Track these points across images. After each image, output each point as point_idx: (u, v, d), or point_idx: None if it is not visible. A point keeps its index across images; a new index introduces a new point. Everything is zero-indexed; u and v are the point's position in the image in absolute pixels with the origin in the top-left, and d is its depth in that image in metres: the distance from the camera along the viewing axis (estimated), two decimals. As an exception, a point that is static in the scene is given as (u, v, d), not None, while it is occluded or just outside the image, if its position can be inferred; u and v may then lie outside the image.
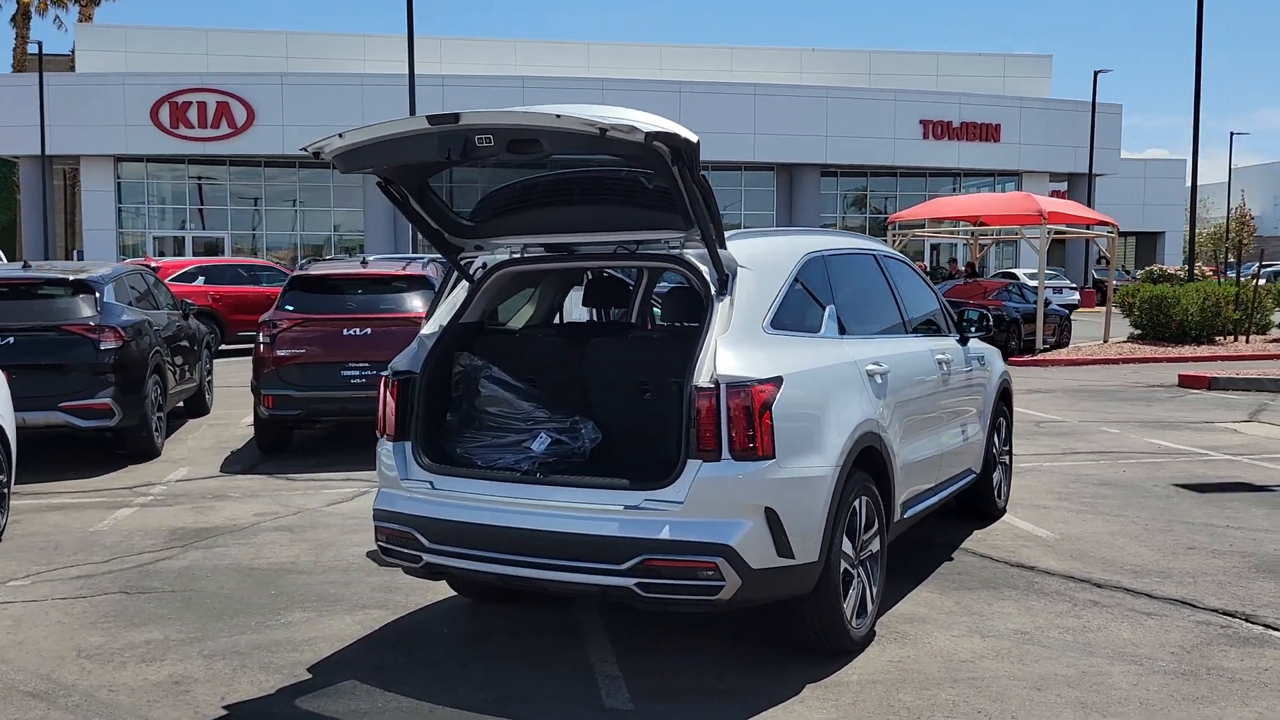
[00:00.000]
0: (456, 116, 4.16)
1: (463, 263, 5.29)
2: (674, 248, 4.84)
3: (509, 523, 4.50)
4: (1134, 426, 11.76)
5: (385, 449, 4.97)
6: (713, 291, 4.62)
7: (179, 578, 6.22)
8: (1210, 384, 15.28)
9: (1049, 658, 4.83)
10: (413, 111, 25.09)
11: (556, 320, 6.19)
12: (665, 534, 4.25)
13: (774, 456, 4.32)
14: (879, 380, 5.22)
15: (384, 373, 5.05)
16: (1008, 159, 44.05)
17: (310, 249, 41.90)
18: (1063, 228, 18.52)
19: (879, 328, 5.79)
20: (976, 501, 7.20)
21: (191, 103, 38.48)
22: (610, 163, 4.77)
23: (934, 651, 4.92)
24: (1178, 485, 8.53)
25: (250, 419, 12.35)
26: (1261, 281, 23.75)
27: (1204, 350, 20.58)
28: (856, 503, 4.83)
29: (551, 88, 36.45)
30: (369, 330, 9.84)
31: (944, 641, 5.04)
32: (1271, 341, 22.07)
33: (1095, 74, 42.42)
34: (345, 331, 9.85)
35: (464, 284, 5.30)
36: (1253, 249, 25.58)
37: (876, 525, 5.05)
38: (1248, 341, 21.75)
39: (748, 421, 4.28)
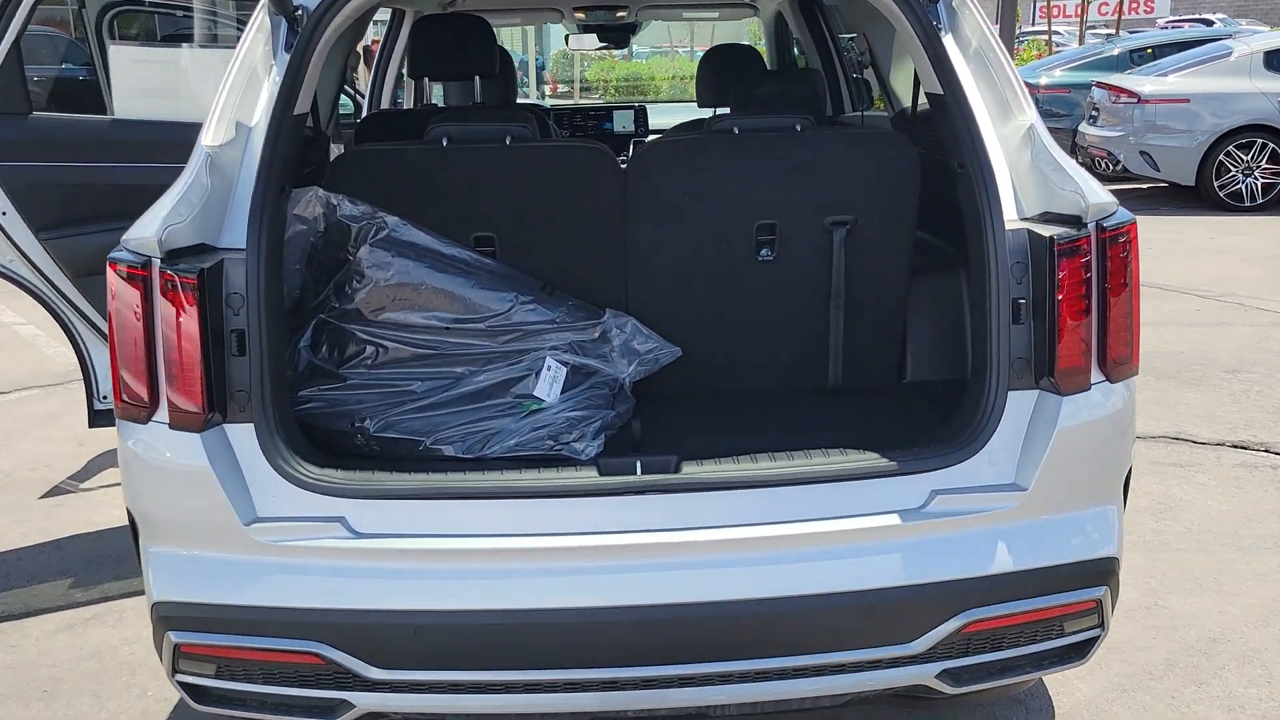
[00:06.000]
0: None
1: None
2: None
3: (609, 599, 2.04)
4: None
5: (164, 445, 2.11)
6: (931, 21, 2.38)
7: None
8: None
9: None
10: None
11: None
12: (1004, 563, 2.10)
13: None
14: None
15: (124, 259, 2.09)
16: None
17: None
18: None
19: None
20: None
21: None
22: None
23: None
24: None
25: None
26: None
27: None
28: None
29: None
30: None
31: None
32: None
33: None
34: None
35: (263, 33, 2.40)
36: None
37: None
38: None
39: (1129, 301, 2.20)
